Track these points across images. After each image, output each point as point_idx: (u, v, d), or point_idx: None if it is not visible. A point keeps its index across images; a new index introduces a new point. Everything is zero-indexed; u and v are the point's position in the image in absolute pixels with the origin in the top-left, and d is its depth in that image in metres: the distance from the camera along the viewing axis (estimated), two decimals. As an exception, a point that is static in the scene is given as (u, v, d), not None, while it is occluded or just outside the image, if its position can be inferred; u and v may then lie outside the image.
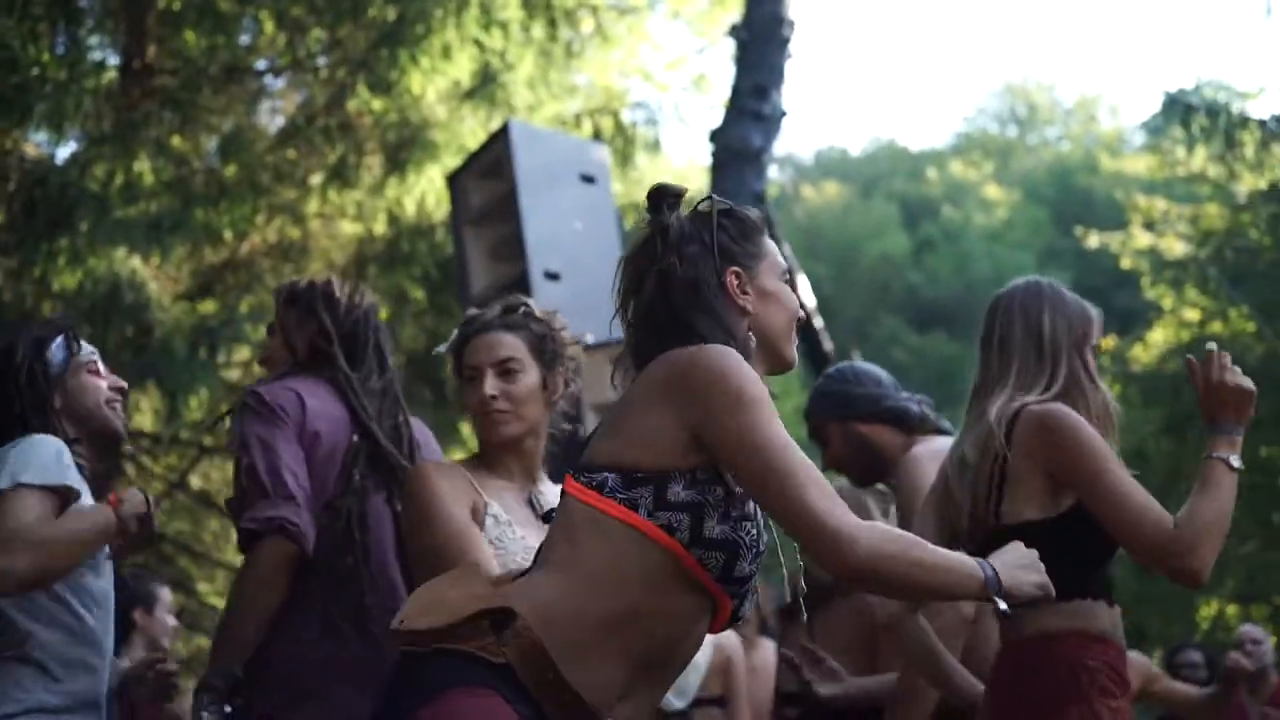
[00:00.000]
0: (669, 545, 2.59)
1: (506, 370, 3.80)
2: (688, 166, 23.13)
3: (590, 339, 7.14)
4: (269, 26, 12.07)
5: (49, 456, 3.55)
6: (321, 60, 12.26)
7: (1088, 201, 37.75)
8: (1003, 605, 2.60)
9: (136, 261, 10.82)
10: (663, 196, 2.94)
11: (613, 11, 14.25)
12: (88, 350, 3.96)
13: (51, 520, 3.45)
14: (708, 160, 11.73)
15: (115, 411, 3.94)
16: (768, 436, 2.60)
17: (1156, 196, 18.10)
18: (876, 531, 2.54)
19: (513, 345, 3.85)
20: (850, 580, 2.56)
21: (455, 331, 3.94)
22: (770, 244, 3.00)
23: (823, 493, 2.56)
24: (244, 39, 12.48)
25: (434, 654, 2.57)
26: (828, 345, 12.86)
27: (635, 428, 2.68)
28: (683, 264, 2.83)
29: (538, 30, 12.28)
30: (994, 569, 2.62)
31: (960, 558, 2.62)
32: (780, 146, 16.41)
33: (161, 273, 11.70)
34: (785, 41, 11.76)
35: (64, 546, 3.43)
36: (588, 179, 7.89)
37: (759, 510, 2.70)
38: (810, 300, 12.79)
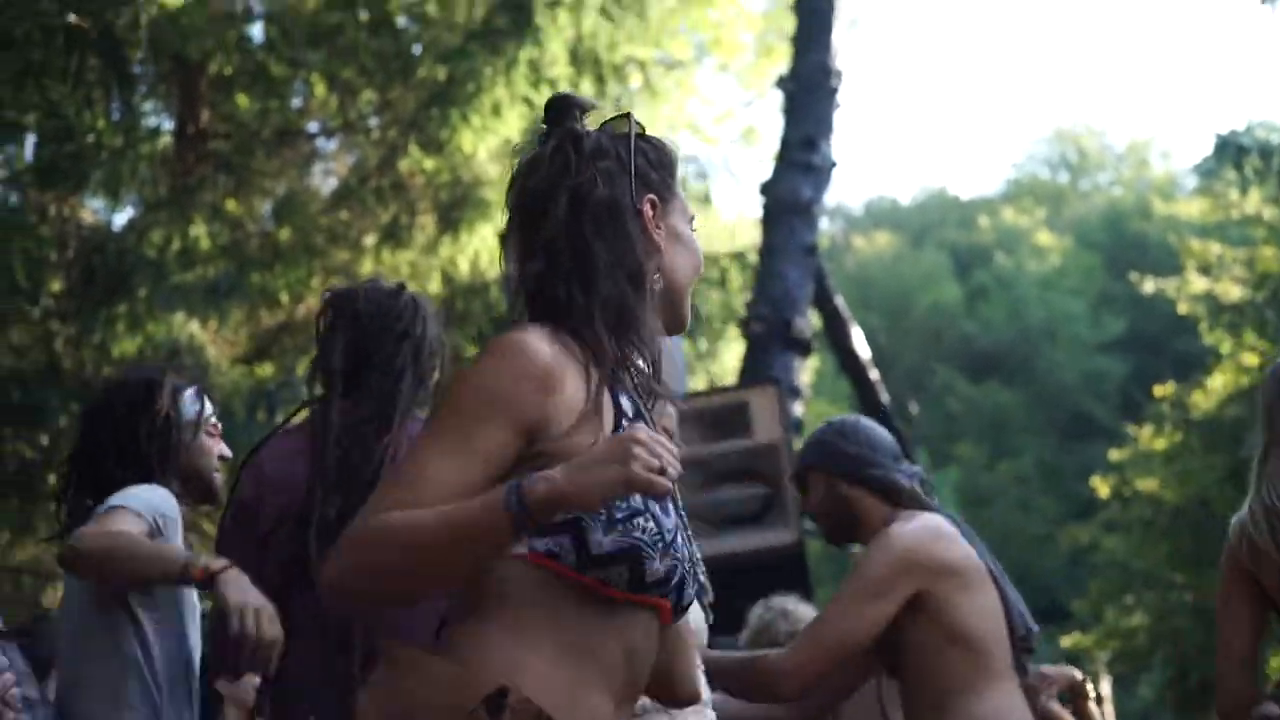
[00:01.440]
0: (557, 570, 2.18)
1: None
2: (738, 219, 23.16)
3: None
4: (320, 89, 12.18)
5: (167, 505, 3.52)
6: (373, 121, 12.36)
7: (1141, 246, 37.52)
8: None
9: (194, 326, 10.91)
10: (570, 105, 2.46)
11: (660, 66, 14.31)
12: (210, 409, 3.93)
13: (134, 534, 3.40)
14: (758, 213, 11.72)
15: (218, 477, 3.90)
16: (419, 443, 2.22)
17: (1211, 240, 17.94)
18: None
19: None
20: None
21: None
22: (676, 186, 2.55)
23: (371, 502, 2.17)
24: (296, 102, 12.61)
25: None
26: (884, 397, 12.79)
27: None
28: (598, 181, 2.37)
29: (586, 86, 12.33)
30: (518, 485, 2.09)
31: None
32: (830, 197, 16.41)
33: (219, 336, 11.78)
34: (833, 92, 11.76)
35: (126, 551, 3.31)
36: (640, 234, 7.90)
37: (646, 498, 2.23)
38: (865, 352, 12.74)
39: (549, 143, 2.42)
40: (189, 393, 3.85)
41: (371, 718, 2.20)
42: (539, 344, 2.23)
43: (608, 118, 2.51)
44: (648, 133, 2.52)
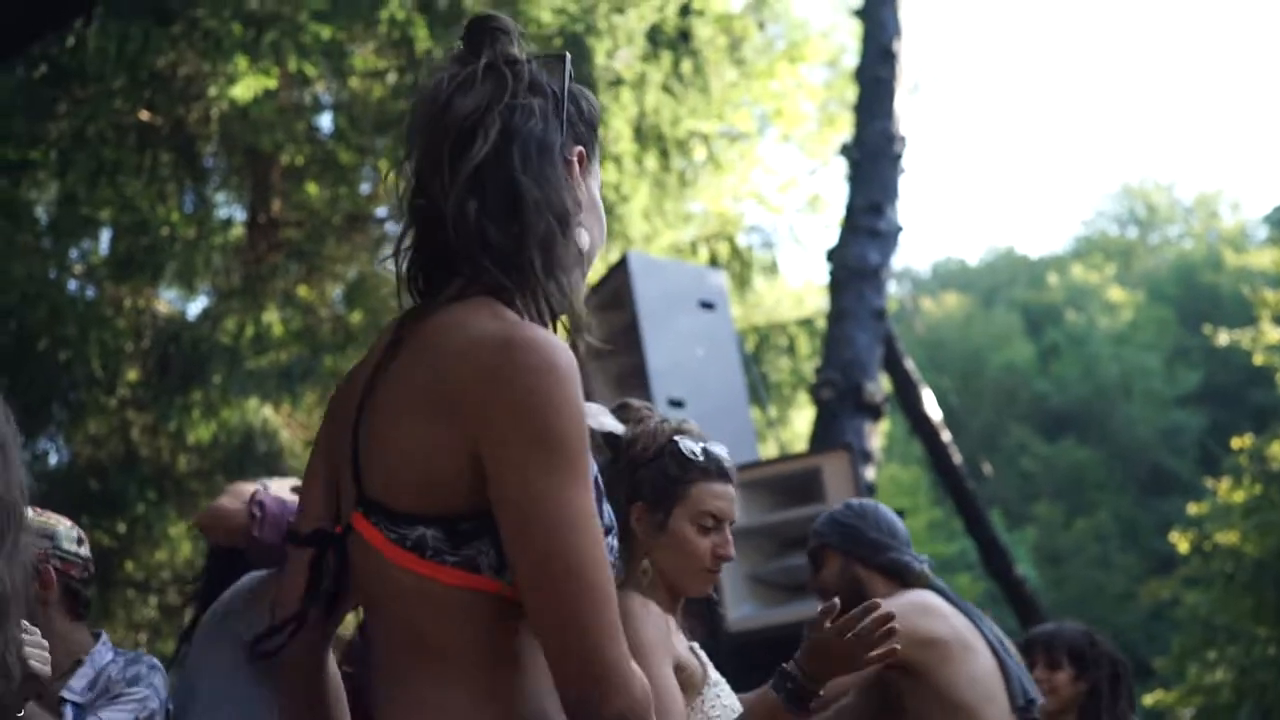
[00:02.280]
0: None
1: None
2: (805, 287, 23.21)
3: (718, 465, 7.18)
4: (389, 175, 12.34)
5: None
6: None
7: (1214, 299, 37.26)
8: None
9: (268, 410, 11.03)
10: (493, 28, 2.12)
11: (724, 139, 14.40)
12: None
13: None
14: (825, 279, 11.75)
15: None
16: (568, 529, 1.85)
17: (1284, 290, 17.84)
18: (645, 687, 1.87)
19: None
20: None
21: (695, 457, 3.34)
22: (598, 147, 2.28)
23: (614, 615, 1.86)
24: (364, 188, 12.76)
25: None
26: (957, 458, 12.75)
27: (425, 452, 1.92)
28: (533, 115, 2.07)
29: (651, 161, 12.43)
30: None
31: None
32: (897, 261, 16.44)
33: (293, 420, 11.90)
34: (897, 158, 11.79)
35: None
36: (707, 305, 7.93)
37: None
38: (936, 414, 12.71)
39: (482, 61, 2.07)
40: None
41: None
42: (559, 343, 1.94)
43: (543, 54, 2.18)
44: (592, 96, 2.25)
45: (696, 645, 3.45)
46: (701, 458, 3.31)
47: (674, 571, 3.25)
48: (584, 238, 2.12)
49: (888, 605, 3.95)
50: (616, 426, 3.33)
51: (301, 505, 2.18)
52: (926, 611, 3.98)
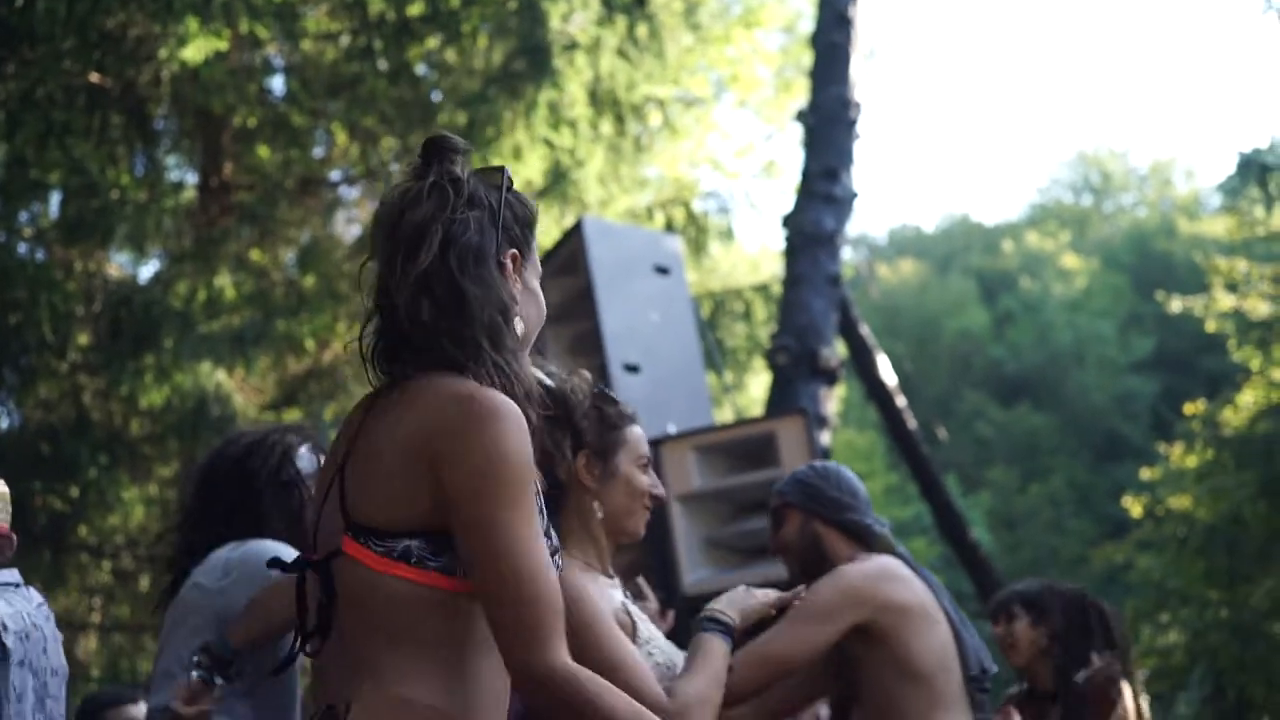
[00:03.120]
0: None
1: None
2: (761, 252, 23.23)
3: (672, 429, 7.17)
4: (341, 138, 12.28)
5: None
6: (394, 168, 12.43)
7: (1167, 266, 37.50)
8: None
9: (221, 375, 10.97)
10: (444, 148, 2.57)
11: (680, 104, 14.38)
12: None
13: None
14: (781, 245, 11.74)
15: None
16: (523, 549, 2.32)
17: (1237, 258, 17.91)
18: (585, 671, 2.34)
19: None
20: (530, 690, 2.32)
21: (614, 415, 3.61)
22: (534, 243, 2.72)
23: (557, 621, 2.32)
24: (318, 151, 12.71)
25: None
26: (911, 424, 12.79)
27: (406, 483, 2.37)
28: (470, 225, 2.49)
29: (606, 126, 12.40)
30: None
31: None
32: (853, 227, 16.47)
33: (246, 385, 11.85)
34: (853, 123, 11.79)
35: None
36: (662, 270, 7.91)
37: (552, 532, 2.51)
38: (891, 379, 12.75)
39: (429, 180, 2.52)
40: (305, 448, 3.93)
41: None
42: (509, 401, 2.40)
43: (482, 168, 2.63)
44: (517, 189, 2.67)
45: (630, 603, 3.51)
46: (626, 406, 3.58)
47: (622, 513, 3.37)
48: (520, 325, 2.55)
49: (855, 569, 3.99)
50: (547, 381, 3.42)
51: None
52: (893, 578, 4.00)
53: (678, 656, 3.45)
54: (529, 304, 2.62)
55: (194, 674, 3.52)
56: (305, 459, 3.86)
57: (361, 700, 2.32)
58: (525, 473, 2.33)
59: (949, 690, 3.93)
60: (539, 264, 2.72)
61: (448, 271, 2.43)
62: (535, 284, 2.66)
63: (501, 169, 2.62)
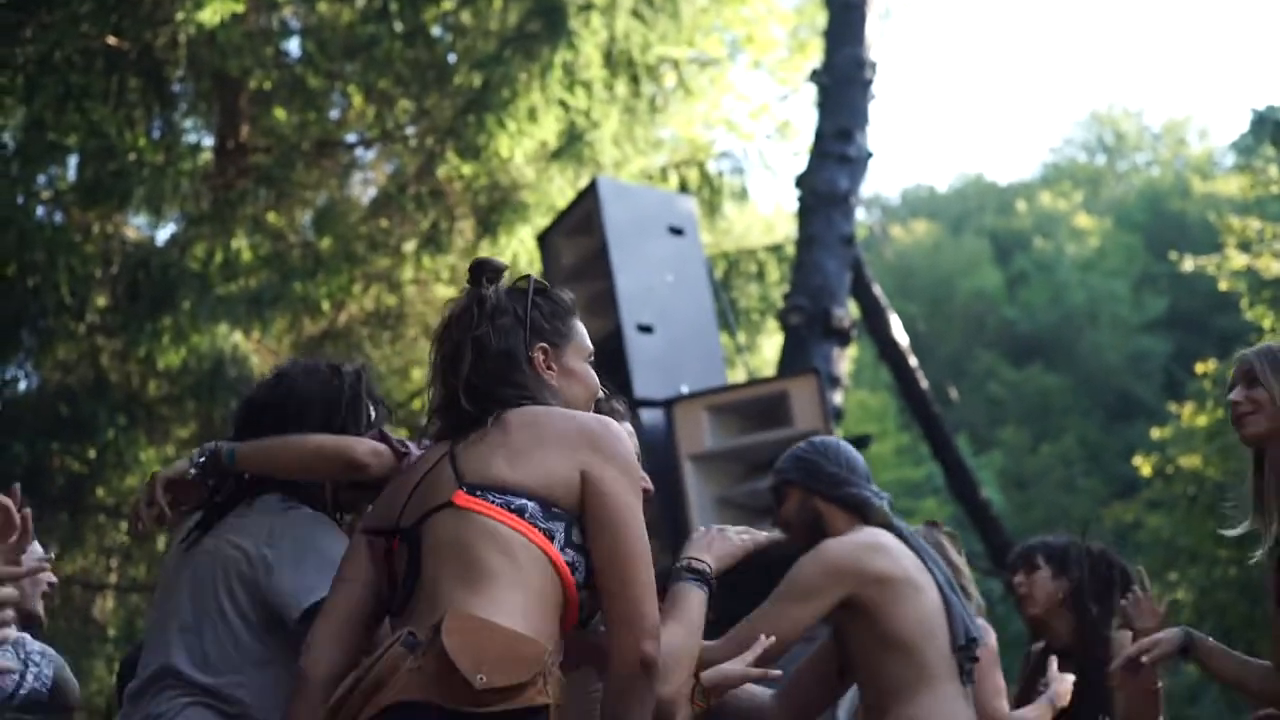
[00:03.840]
0: (567, 582, 2.77)
1: None
2: (775, 213, 23.22)
3: (685, 389, 7.22)
4: (358, 100, 12.30)
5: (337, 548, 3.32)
6: (410, 130, 12.47)
7: (1181, 226, 37.37)
8: None
9: (238, 336, 11.03)
10: (483, 270, 3.09)
11: (694, 65, 14.37)
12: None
13: None
14: (795, 205, 11.76)
15: None
16: (640, 534, 2.84)
17: (1250, 217, 17.86)
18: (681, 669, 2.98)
19: None
20: (638, 685, 2.77)
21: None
22: (579, 326, 3.19)
23: (654, 603, 2.82)
24: (334, 113, 12.72)
25: (511, 717, 2.53)
26: (923, 383, 12.83)
27: (540, 466, 2.82)
28: (495, 335, 3.01)
29: (621, 87, 12.40)
30: None
31: None
32: (867, 188, 16.45)
33: (263, 346, 11.91)
34: (867, 84, 11.79)
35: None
36: (676, 231, 7.95)
37: None
38: (903, 339, 12.78)
39: (462, 302, 3.07)
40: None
41: (460, 657, 2.50)
42: None
43: (514, 279, 3.16)
44: (544, 283, 3.17)
45: None
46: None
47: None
48: (574, 402, 3.08)
49: (836, 543, 4.04)
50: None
51: (344, 574, 3.03)
52: (877, 550, 4.03)
53: None
54: (569, 384, 3.09)
55: (192, 468, 3.43)
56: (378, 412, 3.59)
57: (452, 619, 2.57)
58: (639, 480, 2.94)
59: (935, 660, 3.95)
60: (586, 344, 3.18)
61: (483, 377, 2.97)
62: (577, 364, 3.13)
63: (529, 276, 3.14)
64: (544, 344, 3.06)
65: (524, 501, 2.76)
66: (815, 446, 4.32)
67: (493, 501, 2.76)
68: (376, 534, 2.96)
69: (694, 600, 3.21)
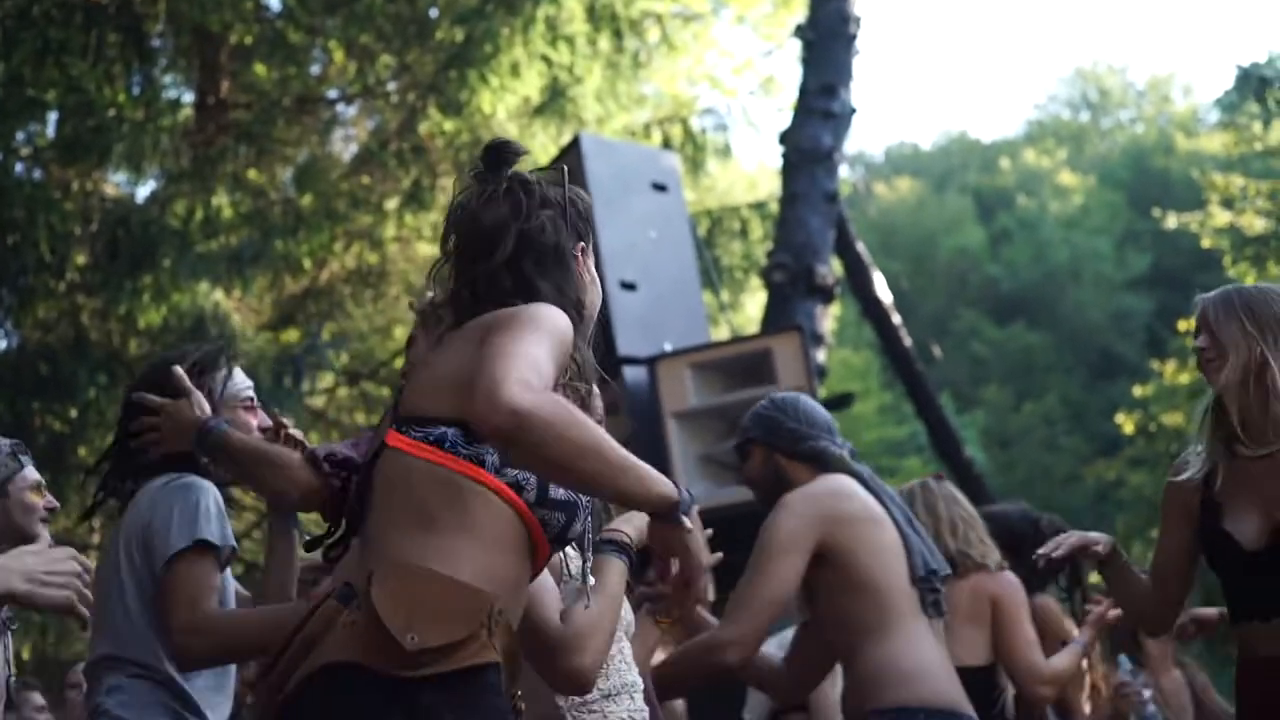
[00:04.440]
0: (516, 504, 2.46)
1: None
2: (758, 170, 23.16)
3: (669, 346, 7.20)
4: (338, 55, 12.23)
5: (214, 506, 3.45)
6: (391, 85, 12.40)
7: (1164, 183, 37.34)
8: (686, 522, 2.52)
9: (219, 294, 10.99)
10: (506, 153, 2.83)
11: (678, 20, 14.30)
12: (245, 384, 3.76)
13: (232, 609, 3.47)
14: (779, 162, 11.72)
15: None
16: (519, 337, 2.44)
17: (1234, 174, 17.85)
18: (552, 399, 2.36)
19: None
20: (494, 428, 2.30)
21: None
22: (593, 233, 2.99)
23: (532, 375, 2.35)
24: (314, 69, 12.66)
25: (449, 680, 2.31)
26: (907, 341, 12.83)
27: (454, 381, 2.48)
28: (549, 228, 2.75)
29: (604, 43, 12.34)
30: (690, 494, 2.57)
31: (647, 469, 2.49)
32: (851, 145, 16.44)
33: (244, 304, 11.87)
34: (852, 39, 11.74)
35: (245, 645, 3.36)
36: (660, 188, 7.92)
37: None
38: (887, 297, 12.77)
39: (501, 184, 2.77)
40: (219, 372, 3.74)
41: (390, 615, 2.28)
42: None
43: (541, 168, 2.94)
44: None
45: None
46: None
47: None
48: (591, 308, 2.84)
49: (796, 494, 4.06)
50: None
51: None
52: (835, 493, 4.10)
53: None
54: (591, 291, 2.85)
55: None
56: (217, 382, 3.69)
57: (382, 570, 2.35)
58: (555, 328, 2.52)
59: (898, 598, 4.00)
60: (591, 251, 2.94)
61: (522, 272, 2.70)
62: (593, 270, 2.88)
63: (562, 169, 2.88)
64: (581, 243, 2.83)
65: (443, 430, 2.47)
66: (775, 404, 4.36)
67: (414, 436, 2.48)
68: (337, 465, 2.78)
69: (613, 570, 3.16)
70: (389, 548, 2.41)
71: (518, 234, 2.71)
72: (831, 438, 4.27)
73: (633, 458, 2.43)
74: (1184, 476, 3.76)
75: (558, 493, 2.50)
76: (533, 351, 2.40)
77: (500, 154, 2.82)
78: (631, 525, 3.26)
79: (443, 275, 2.81)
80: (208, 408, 3.51)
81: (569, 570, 3.21)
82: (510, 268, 2.70)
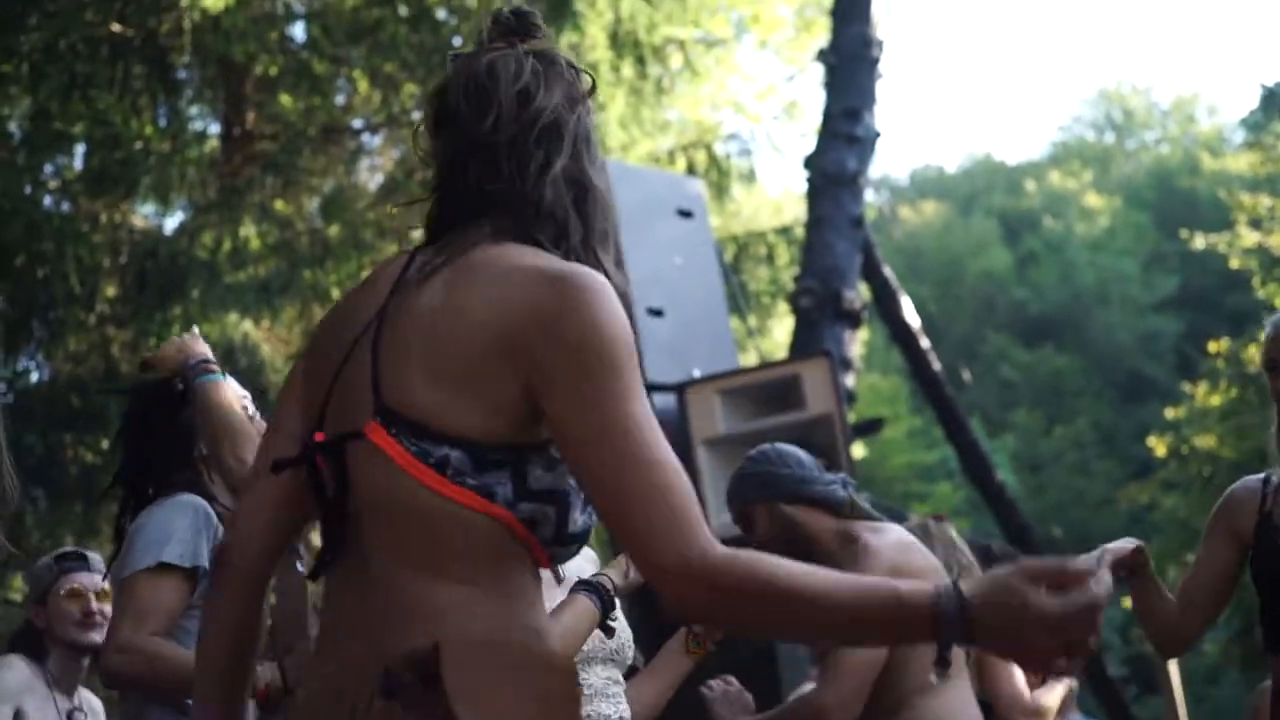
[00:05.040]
0: (531, 545, 1.99)
1: None
2: (783, 195, 23.16)
3: (697, 373, 7.19)
4: (363, 85, 12.26)
5: (189, 526, 3.40)
6: (416, 115, 12.41)
7: (1191, 203, 37.25)
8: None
9: (248, 325, 11.01)
10: (533, 24, 2.26)
11: (700, 46, 14.31)
12: (241, 392, 3.68)
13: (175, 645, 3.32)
14: (803, 187, 11.71)
15: None
16: (633, 420, 1.90)
17: (1261, 193, 17.79)
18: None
19: None
20: (685, 588, 1.84)
21: None
22: None
23: (696, 508, 1.87)
24: (339, 99, 12.69)
25: None
26: (936, 366, 12.78)
27: (468, 377, 1.96)
28: (585, 118, 2.21)
29: (627, 69, 12.36)
30: (959, 602, 1.79)
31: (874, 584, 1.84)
32: (875, 168, 16.44)
33: (273, 334, 11.88)
34: (874, 63, 11.74)
35: (169, 679, 3.23)
36: (685, 214, 7.92)
37: None
38: (915, 321, 12.73)
39: (556, 63, 2.21)
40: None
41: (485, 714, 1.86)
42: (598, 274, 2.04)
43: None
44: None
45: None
46: None
47: None
48: None
49: (885, 544, 3.98)
50: None
51: (278, 425, 2.22)
52: (910, 548, 3.99)
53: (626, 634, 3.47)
54: None
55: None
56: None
57: (448, 660, 1.86)
58: (632, 354, 1.95)
59: (953, 653, 3.95)
60: None
61: (581, 167, 2.16)
62: None
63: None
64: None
65: (445, 453, 1.93)
66: (760, 459, 4.22)
67: (408, 448, 1.94)
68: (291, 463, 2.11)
69: (579, 605, 3.03)
70: (418, 598, 1.95)
71: (575, 124, 2.17)
72: (828, 477, 4.19)
73: (850, 597, 1.82)
74: (1243, 492, 3.74)
75: (576, 525, 2.01)
76: (657, 441, 1.89)
77: (527, 24, 2.25)
78: (618, 571, 3.13)
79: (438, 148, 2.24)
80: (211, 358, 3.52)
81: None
82: (573, 165, 2.15)
